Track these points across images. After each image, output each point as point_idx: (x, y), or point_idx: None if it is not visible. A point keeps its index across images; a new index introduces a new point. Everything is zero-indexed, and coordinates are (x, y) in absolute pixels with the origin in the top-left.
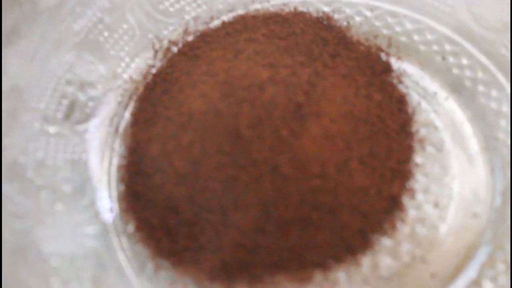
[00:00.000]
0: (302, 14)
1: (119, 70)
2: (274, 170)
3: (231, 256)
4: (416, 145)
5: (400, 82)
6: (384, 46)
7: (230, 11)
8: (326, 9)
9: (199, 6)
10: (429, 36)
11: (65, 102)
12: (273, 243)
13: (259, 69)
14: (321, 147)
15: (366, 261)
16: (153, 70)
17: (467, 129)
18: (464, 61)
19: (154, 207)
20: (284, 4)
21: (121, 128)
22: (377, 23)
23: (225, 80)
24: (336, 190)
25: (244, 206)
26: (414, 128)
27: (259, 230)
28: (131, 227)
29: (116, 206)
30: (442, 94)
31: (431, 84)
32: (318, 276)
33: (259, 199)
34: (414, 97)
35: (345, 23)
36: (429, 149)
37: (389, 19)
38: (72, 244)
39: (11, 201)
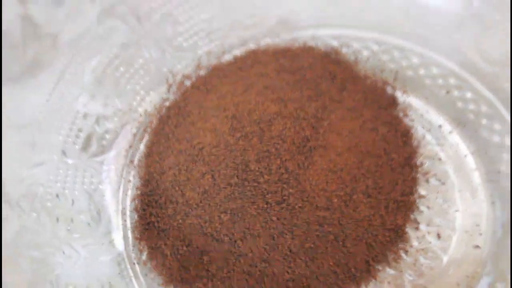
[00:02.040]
0: (311, 48)
1: (134, 103)
2: (281, 202)
3: (240, 284)
4: (420, 178)
5: (406, 115)
6: (390, 80)
7: (242, 45)
8: (334, 43)
9: (211, 41)
10: (435, 71)
11: (83, 135)
12: (280, 272)
13: (268, 104)
14: (327, 180)
15: None
16: (167, 104)
17: (471, 162)
18: (468, 95)
19: (166, 237)
20: (294, 39)
21: (136, 160)
22: (384, 57)
23: (234, 114)
24: (341, 221)
25: (252, 236)
26: (418, 161)
27: (267, 259)
28: (144, 256)
29: (130, 235)
30: (446, 127)
31: (436, 118)
32: None
33: (267, 229)
34: (419, 130)
35: (352, 58)
36: (433, 181)
37: (396, 53)
38: (88, 272)
39: (30, 231)
